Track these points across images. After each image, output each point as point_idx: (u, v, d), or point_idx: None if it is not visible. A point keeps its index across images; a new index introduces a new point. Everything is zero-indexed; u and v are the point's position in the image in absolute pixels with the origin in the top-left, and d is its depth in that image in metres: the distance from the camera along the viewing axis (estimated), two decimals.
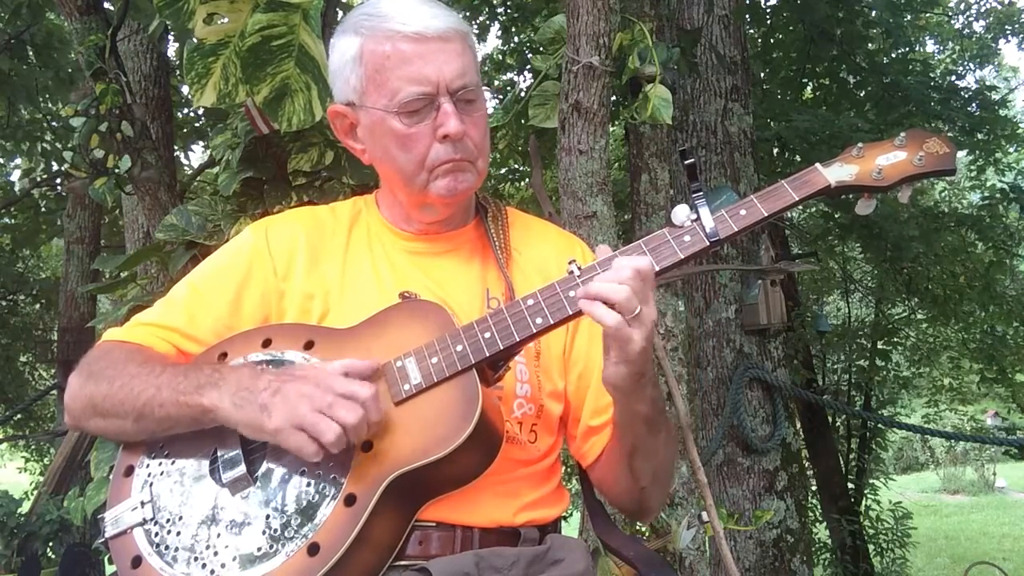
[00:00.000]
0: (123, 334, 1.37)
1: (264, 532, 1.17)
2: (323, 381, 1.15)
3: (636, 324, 1.15)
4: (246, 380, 1.18)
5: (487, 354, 1.22)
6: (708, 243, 1.22)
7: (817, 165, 1.26)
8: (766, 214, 1.23)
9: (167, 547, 1.20)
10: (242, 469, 1.21)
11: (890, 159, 1.25)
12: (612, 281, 1.16)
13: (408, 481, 1.17)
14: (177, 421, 1.23)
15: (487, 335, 1.23)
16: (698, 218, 1.22)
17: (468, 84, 1.30)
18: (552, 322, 1.23)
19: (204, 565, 1.17)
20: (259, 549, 1.16)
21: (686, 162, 1.25)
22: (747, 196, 1.26)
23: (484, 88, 1.40)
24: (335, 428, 1.11)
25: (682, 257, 1.22)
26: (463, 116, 1.31)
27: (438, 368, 1.22)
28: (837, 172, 1.25)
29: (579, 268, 1.25)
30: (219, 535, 1.19)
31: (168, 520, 1.22)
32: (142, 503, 1.24)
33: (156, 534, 1.21)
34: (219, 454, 1.23)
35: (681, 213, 1.22)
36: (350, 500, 1.16)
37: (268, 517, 1.18)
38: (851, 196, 1.29)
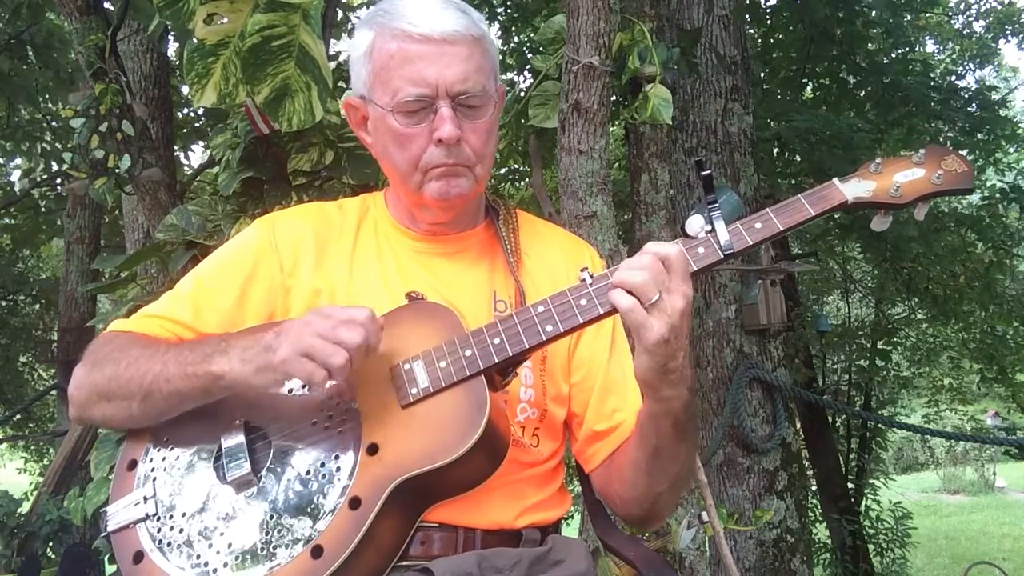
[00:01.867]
0: (127, 324, 1.37)
1: (267, 532, 1.17)
2: (322, 311, 1.17)
3: (654, 311, 1.12)
4: (250, 339, 1.20)
5: (496, 360, 1.21)
6: (722, 256, 1.20)
7: (835, 180, 1.23)
8: (781, 228, 1.21)
9: (169, 543, 1.20)
10: (247, 467, 1.20)
11: (908, 176, 1.23)
12: (631, 267, 1.14)
13: (413, 485, 1.17)
14: (186, 396, 1.23)
15: (496, 341, 1.22)
16: (713, 230, 1.20)
17: (470, 90, 1.28)
18: (563, 330, 1.21)
19: (207, 563, 1.17)
20: (262, 549, 1.16)
21: (703, 173, 1.23)
22: (761, 210, 1.24)
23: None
24: (341, 352, 1.12)
25: (695, 269, 1.19)
26: (464, 122, 1.30)
27: (446, 373, 1.21)
28: (855, 188, 1.23)
29: (591, 276, 1.23)
30: (222, 533, 1.18)
31: (171, 516, 1.22)
32: (144, 498, 1.24)
33: (159, 530, 1.21)
34: (223, 450, 1.23)
35: (695, 224, 1.20)
36: (355, 503, 1.15)
37: (272, 517, 1.18)
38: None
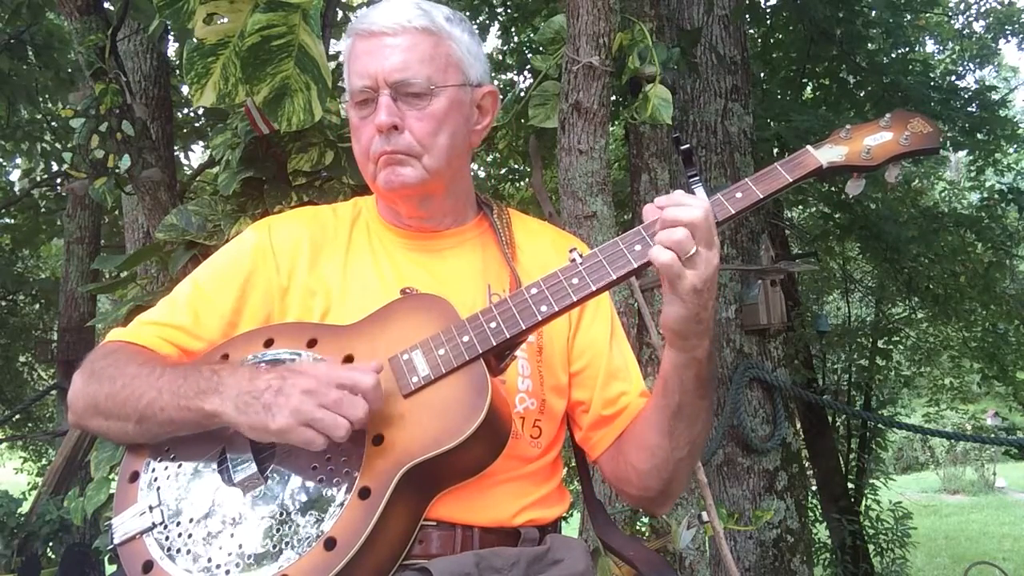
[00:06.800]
0: (127, 334, 1.37)
1: (279, 529, 1.17)
2: (324, 375, 1.15)
3: (690, 264, 1.16)
4: (246, 383, 1.17)
5: (494, 344, 1.23)
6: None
7: (808, 147, 1.29)
8: (761, 196, 1.25)
9: (179, 550, 1.19)
10: (253, 467, 1.20)
11: (877, 139, 1.29)
12: (671, 222, 1.17)
13: (421, 472, 1.17)
14: (180, 424, 1.23)
15: (492, 325, 1.23)
16: None
17: (409, 78, 1.32)
18: (557, 309, 1.23)
19: (219, 566, 1.16)
20: (275, 546, 1.16)
21: (681, 148, 1.27)
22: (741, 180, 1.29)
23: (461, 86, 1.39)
24: (343, 424, 1.12)
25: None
26: (407, 110, 1.33)
27: (445, 359, 1.22)
28: (828, 153, 1.28)
29: (580, 256, 1.25)
30: (232, 535, 1.18)
31: (178, 523, 1.21)
32: (150, 507, 1.24)
33: (166, 537, 1.21)
34: (228, 454, 1.23)
35: None
36: (364, 493, 1.16)
37: (281, 514, 1.18)
38: (844, 189, 1.32)
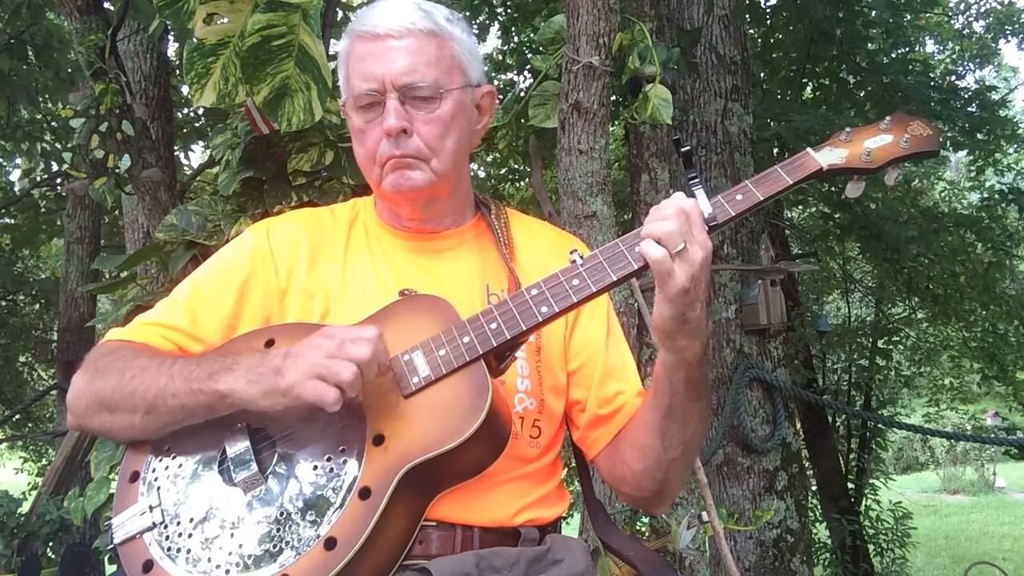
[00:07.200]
0: (126, 334, 1.38)
1: (279, 529, 1.17)
2: (328, 332, 1.18)
3: (678, 260, 1.15)
4: (257, 359, 1.20)
5: (494, 344, 1.23)
6: (707, 228, 1.22)
7: (808, 149, 1.29)
8: (761, 198, 1.25)
9: (179, 549, 1.19)
10: (253, 467, 1.20)
11: (878, 142, 1.29)
12: (658, 219, 1.17)
13: (421, 472, 1.18)
14: (190, 411, 1.23)
15: (493, 326, 1.24)
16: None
17: (417, 81, 1.31)
18: (557, 310, 1.24)
19: (218, 565, 1.17)
20: (275, 546, 1.16)
21: (682, 150, 1.26)
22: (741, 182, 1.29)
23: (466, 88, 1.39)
24: (351, 367, 1.13)
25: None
26: (415, 114, 1.33)
27: (446, 360, 1.23)
28: (828, 156, 1.28)
29: (581, 257, 1.26)
30: (232, 535, 1.18)
31: (178, 523, 1.21)
32: (150, 507, 1.24)
33: (167, 537, 1.21)
34: (228, 454, 1.23)
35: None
36: (365, 493, 1.16)
37: (282, 514, 1.18)
38: (843, 188, 1.32)
